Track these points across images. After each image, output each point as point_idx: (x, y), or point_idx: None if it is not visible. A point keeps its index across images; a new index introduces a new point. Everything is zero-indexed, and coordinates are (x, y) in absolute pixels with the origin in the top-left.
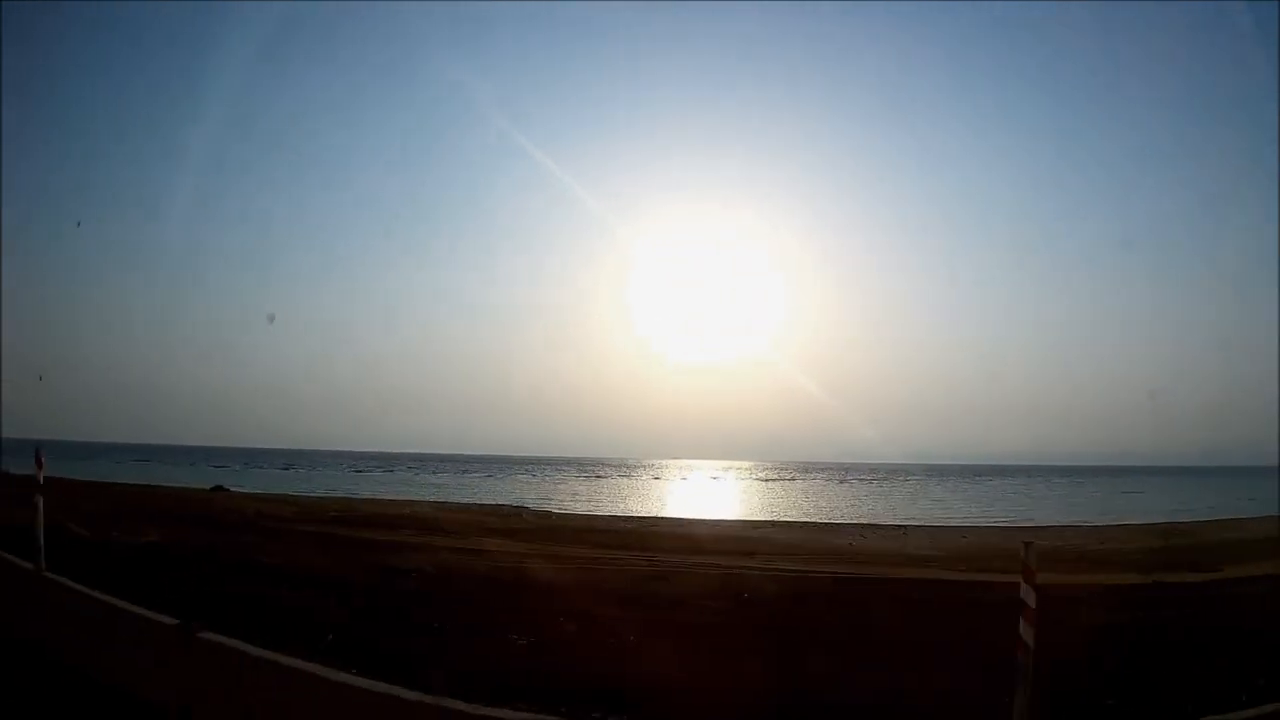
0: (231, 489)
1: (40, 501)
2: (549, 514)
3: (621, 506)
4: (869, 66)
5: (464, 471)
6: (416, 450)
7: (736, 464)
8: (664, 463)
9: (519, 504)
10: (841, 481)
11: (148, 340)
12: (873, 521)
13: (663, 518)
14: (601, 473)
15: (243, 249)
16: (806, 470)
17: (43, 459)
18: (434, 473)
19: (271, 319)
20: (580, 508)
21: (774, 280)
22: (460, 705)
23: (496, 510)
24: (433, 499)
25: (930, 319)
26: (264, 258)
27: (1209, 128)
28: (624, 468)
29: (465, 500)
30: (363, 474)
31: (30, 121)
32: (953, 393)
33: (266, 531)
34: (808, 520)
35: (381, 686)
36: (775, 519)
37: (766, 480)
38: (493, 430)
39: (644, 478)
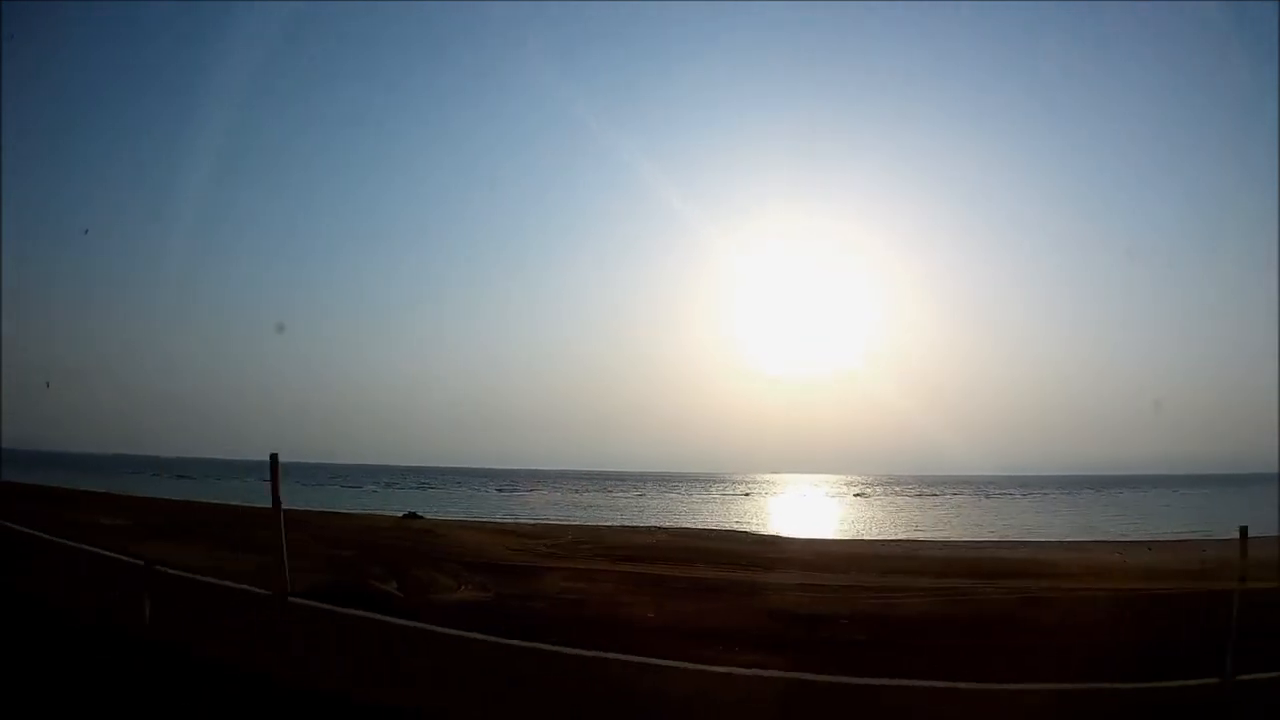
0: (424, 516)
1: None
2: (772, 538)
3: (818, 527)
4: (955, 74)
5: (590, 489)
6: (498, 466)
7: (830, 478)
8: (757, 478)
9: (727, 527)
10: (987, 496)
11: (159, 348)
12: (1093, 538)
13: (897, 540)
14: (711, 489)
15: (310, 258)
16: (911, 484)
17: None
18: (576, 491)
19: (280, 329)
20: (768, 528)
21: (861, 290)
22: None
23: (718, 535)
24: (628, 522)
25: (1010, 330)
26: (338, 265)
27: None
28: (722, 483)
29: (661, 523)
30: (507, 493)
31: (36, 128)
32: (1031, 402)
33: (571, 573)
34: (1035, 539)
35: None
36: (1004, 538)
37: (898, 496)
38: (578, 445)
39: (764, 494)
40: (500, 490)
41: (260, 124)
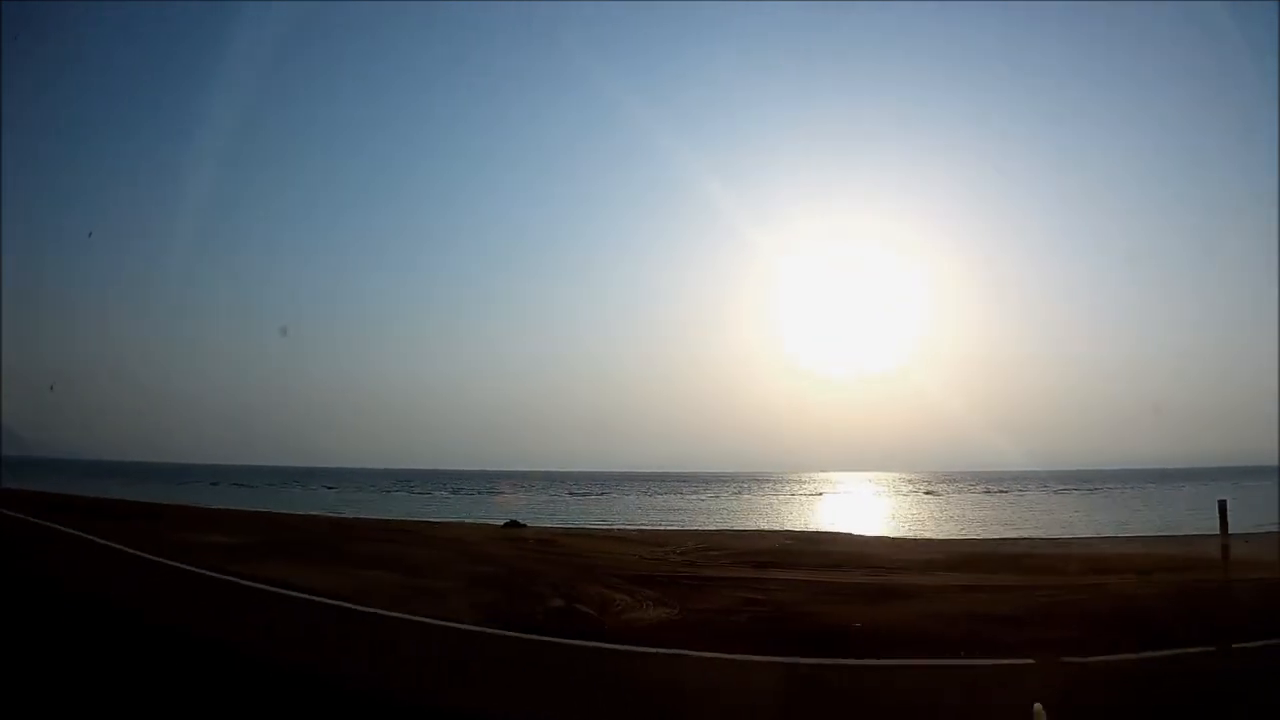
0: (525, 524)
1: None
2: (894, 539)
3: (920, 527)
4: (1008, 73)
5: (660, 492)
6: (551, 469)
7: (883, 476)
8: (812, 477)
9: (829, 529)
10: (1055, 492)
11: (188, 355)
12: (1187, 532)
13: (1010, 539)
14: (779, 488)
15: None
16: (969, 481)
17: None
18: (648, 494)
19: (284, 331)
20: (876, 529)
21: (905, 288)
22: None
23: (843, 538)
24: (729, 525)
25: (1051, 328)
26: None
27: None
28: (781, 482)
29: (755, 526)
30: (581, 497)
31: (39, 130)
32: (1071, 399)
33: (735, 583)
34: (1139, 535)
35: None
36: (1103, 534)
37: (967, 493)
38: (629, 447)
39: (836, 494)
40: (573, 494)
41: (307, 123)
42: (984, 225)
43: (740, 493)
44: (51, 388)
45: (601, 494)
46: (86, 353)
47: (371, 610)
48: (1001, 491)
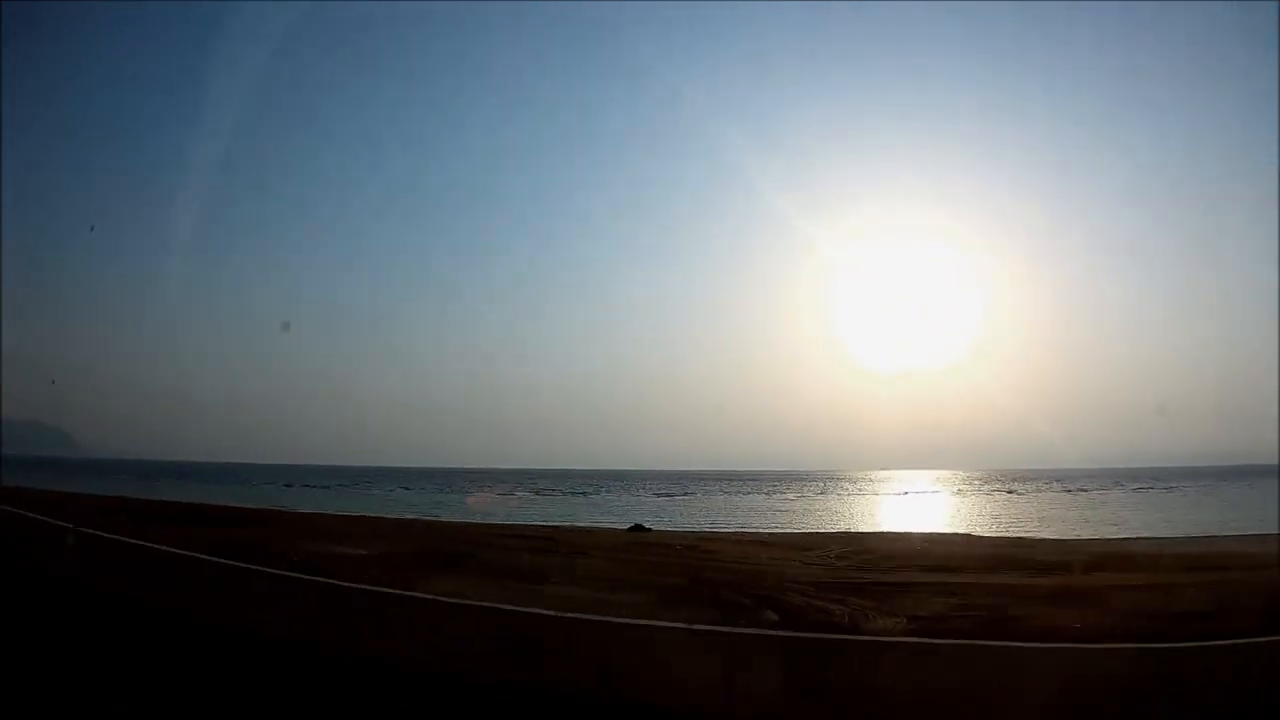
0: (649, 528)
1: None
2: (1055, 541)
3: (1046, 527)
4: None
5: (744, 492)
6: (615, 467)
7: (947, 474)
8: (876, 474)
9: (939, 532)
10: (1135, 490)
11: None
12: None
13: (1142, 537)
14: (857, 487)
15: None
16: (1039, 479)
17: None
18: (733, 494)
19: (286, 327)
20: (990, 529)
21: (966, 286)
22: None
23: (1005, 541)
24: (839, 527)
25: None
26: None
27: None
28: (850, 481)
29: (856, 526)
30: (670, 498)
31: (40, 131)
32: (1121, 396)
33: (935, 589)
34: (1254, 532)
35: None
36: (1224, 532)
37: (1046, 491)
38: (691, 445)
39: (922, 494)
40: (660, 495)
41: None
42: (1034, 218)
43: (823, 492)
44: (53, 381)
45: (686, 495)
46: (137, 355)
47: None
48: (1081, 490)
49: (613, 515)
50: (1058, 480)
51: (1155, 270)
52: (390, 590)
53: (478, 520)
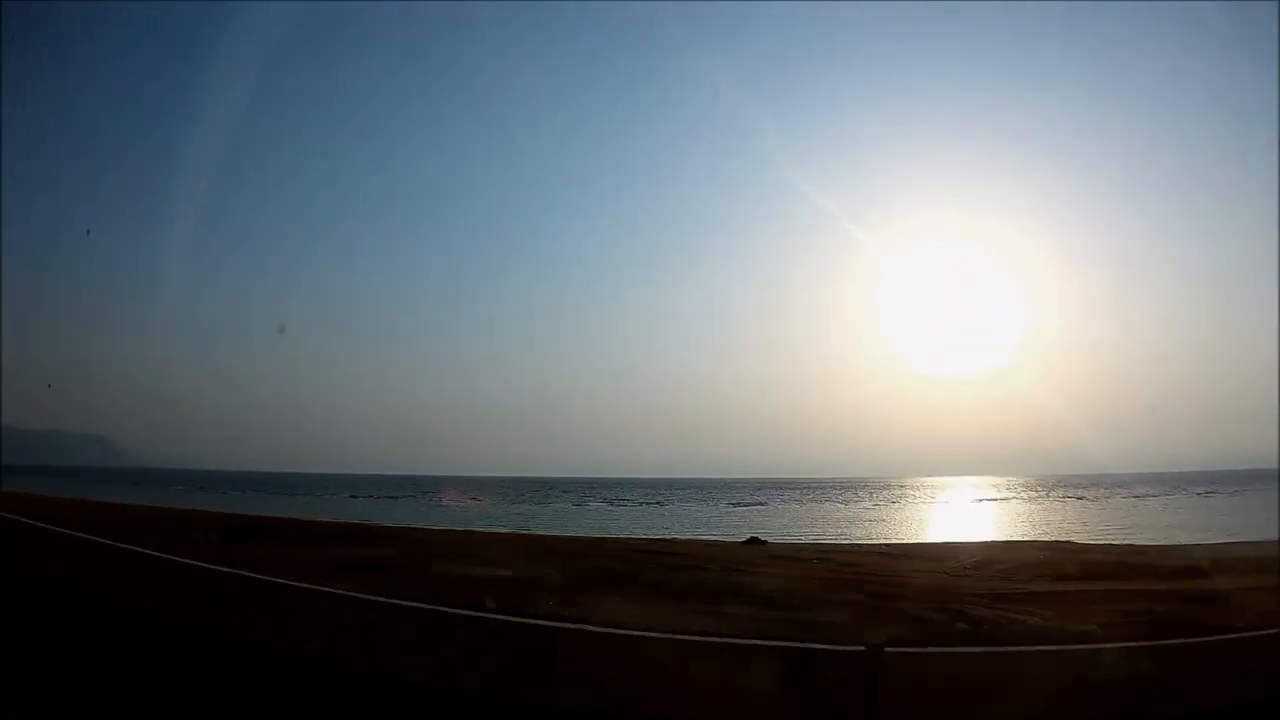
0: (766, 540)
1: None
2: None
3: (1127, 532)
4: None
5: (810, 499)
6: (664, 475)
7: (996, 480)
8: (924, 481)
9: (1048, 540)
10: (1200, 494)
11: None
12: None
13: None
14: (915, 495)
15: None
16: (1096, 485)
17: None
18: (808, 502)
19: (282, 329)
20: (1086, 535)
21: (1011, 289)
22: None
23: (1154, 550)
24: (939, 537)
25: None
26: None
27: None
28: (904, 489)
29: (971, 536)
30: (747, 507)
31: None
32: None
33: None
34: None
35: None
36: None
37: (1115, 498)
38: (727, 453)
39: (992, 501)
40: (735, 504)
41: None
42: (1081, 220)
43: (896, 501)
44: (49, 386)
45: (760, 504)
46: (181, 363)
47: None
48: (1150, 496)
49: (706, 526)
50: (1108, 486)
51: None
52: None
53: (593, 534)
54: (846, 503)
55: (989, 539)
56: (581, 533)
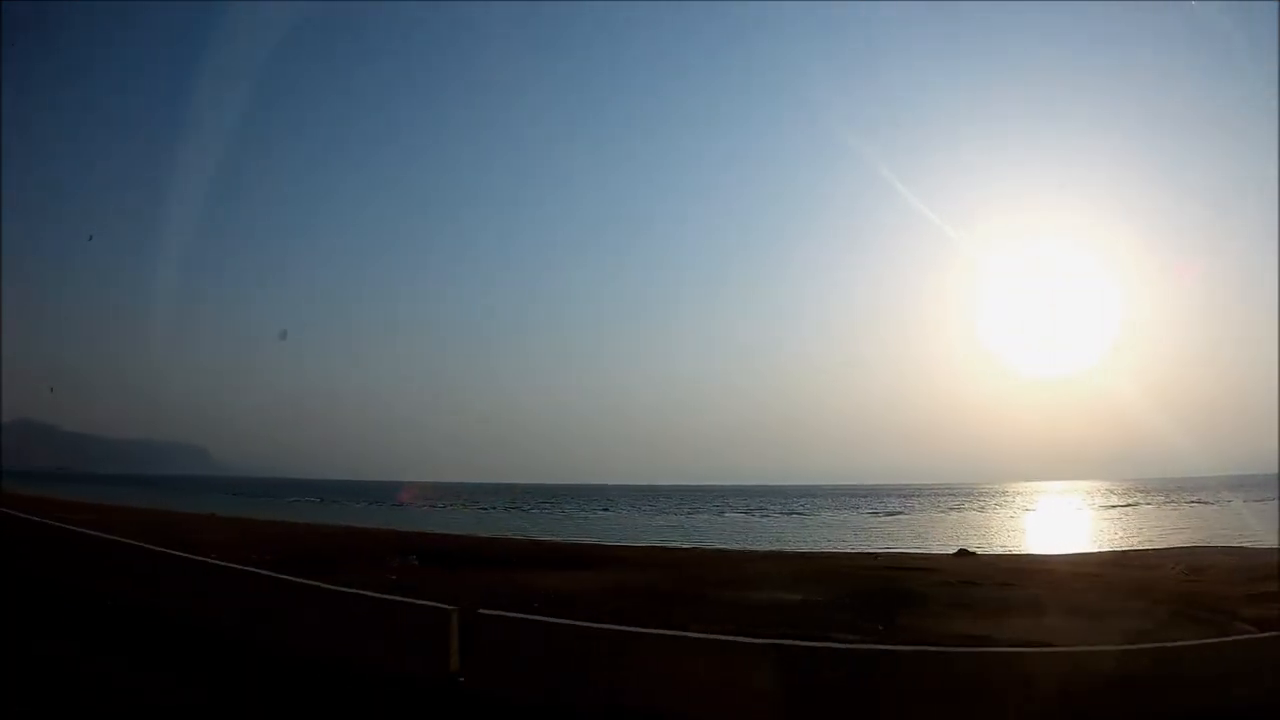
0: (976, 552)
1: None
2: None
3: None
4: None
5: (926, 507)
6: (752, 483)
7: (1083, 485)
8: (1015, 487)
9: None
10: None
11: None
12: None
13: None
14: (1029, 501)
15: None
16: (1197, 489)
17: None
18: (947, 510)
19: (284, 335)
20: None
21: (1109, 289)
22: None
23: (1226, 551)
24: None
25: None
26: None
27: None
28: (1009, 495)
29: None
30: (890, 515)
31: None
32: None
33: None
34: None
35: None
36: None
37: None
38: (820, 460)
39: (1132, 505)
40: (876, 513)
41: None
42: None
43: (1018, 508)
44: (51, 389)
45: (902, 513)
46: (270, 374)
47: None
48: (1268, 499)
49: (887, 538)
50: (1212, 489)
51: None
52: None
53: (807, 549)
54: (982, 509)
55: (1165, 545)
56: (776, 547)
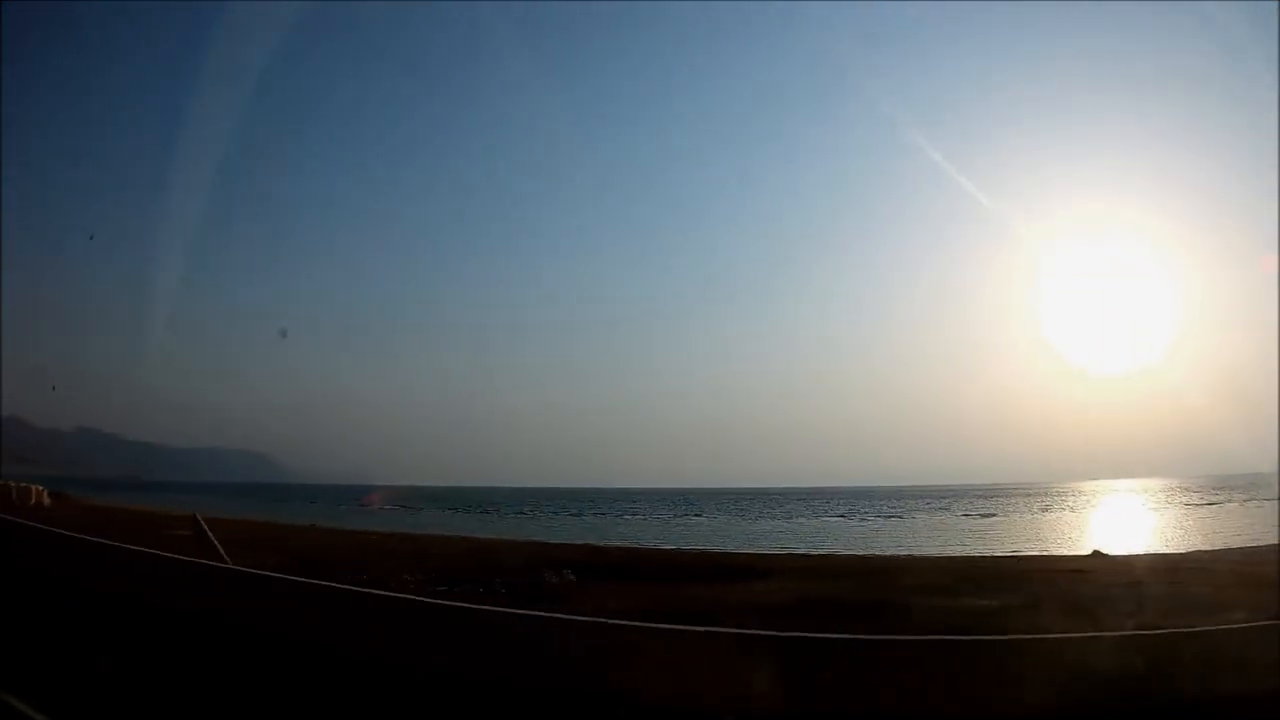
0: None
1: None
2: None
3: None
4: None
5: (1032, 509)
6: (820, 485)
7: (1146, 484)
8: (1080, 485)
9: None
10: None
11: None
12: None
13: None
14: (1103, 499)
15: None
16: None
17: None
18: (1037, 511)
19: (283, 333)
20: None
21: (1172, 284)
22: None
23: None
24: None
25: None
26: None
27: None
28: (1064, 495)
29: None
30: (983, 517)
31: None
32: None
33: None
34: None
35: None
36: None
37: None
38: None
39: (1211, 503)
40: (970, 514)
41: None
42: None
43: (1117, 507)
44: (53, 388)
45: (994, 515)
46: (330, 379)
47: None
48: None
49: (993, 539)
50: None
51: None
52: None
53: (945, 554)
54: (1073, 510)
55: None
56: (909, 551)
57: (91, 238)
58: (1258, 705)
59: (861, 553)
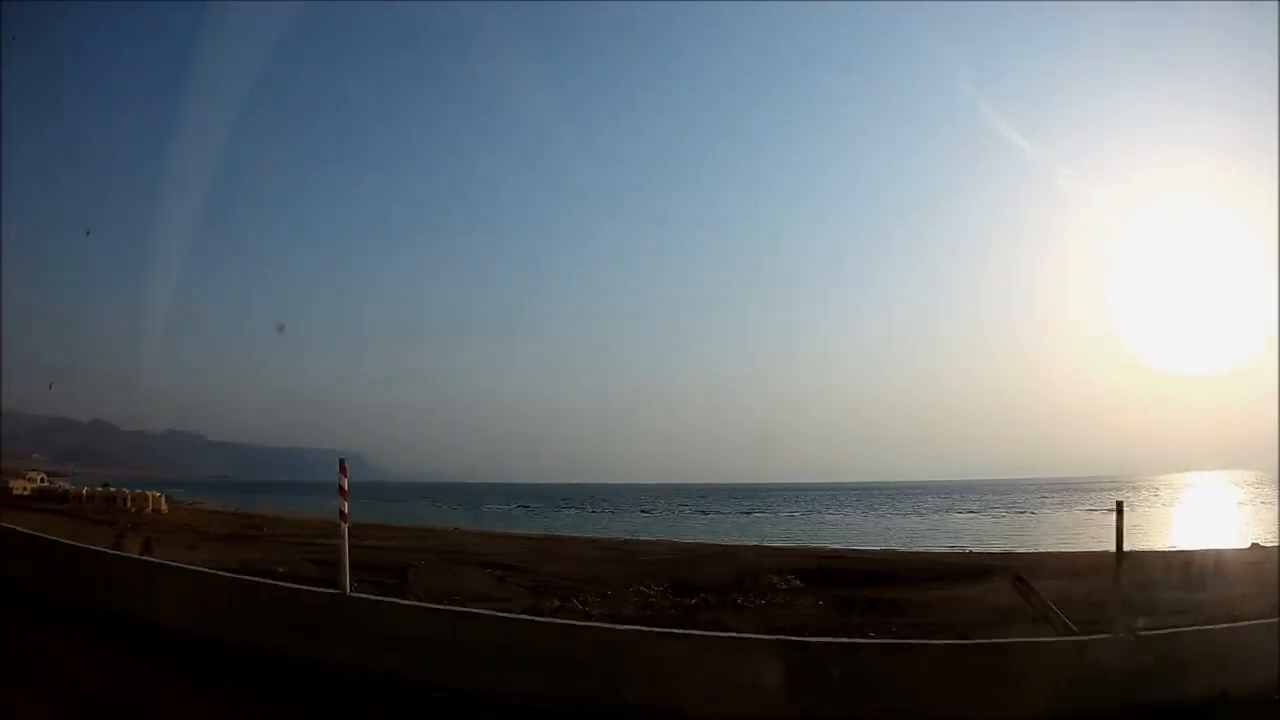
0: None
1: None
2: None
3: None
4: None
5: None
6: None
7: (1233, 476)
8: (1154, 479)
9: None
10: None
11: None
12: None
13: None
14: (1172, 495)
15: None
16: None
17: None
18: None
19: (281, 329)
20: None
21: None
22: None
23: None
24: None
25: None
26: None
27: None
28: (1148, 489)
29: None
30: (1089, 511)
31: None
32: None
33: None
34: None
35: None
36: None
37: None
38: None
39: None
40: (1095, 509)
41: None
42: None
43: (1215, 500)
44: (50, 385)
45: (1111, 510)
46: (418, 380)
47: None
48: None
49: (1135, 533)
50: None
51: None
52: None
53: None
54: (1169, 505)
55: None
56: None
57: (88, 233)
58: (1268, 704)
59: (1068, 550)
